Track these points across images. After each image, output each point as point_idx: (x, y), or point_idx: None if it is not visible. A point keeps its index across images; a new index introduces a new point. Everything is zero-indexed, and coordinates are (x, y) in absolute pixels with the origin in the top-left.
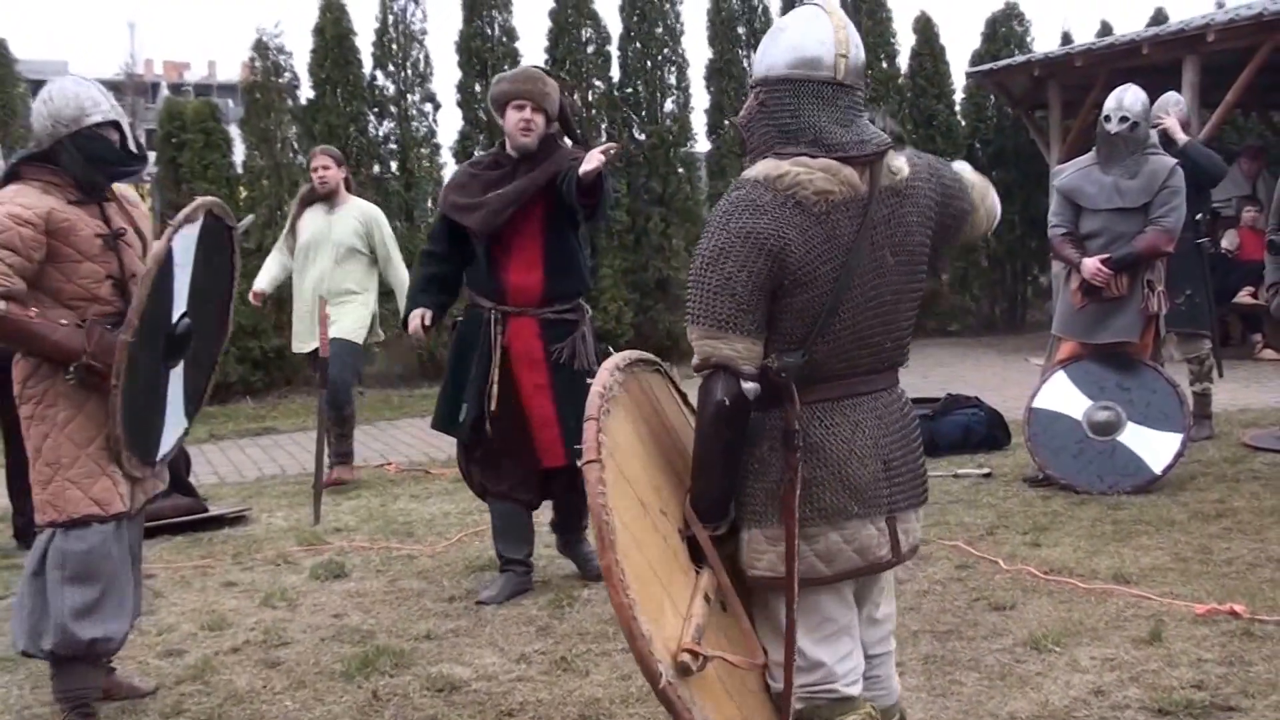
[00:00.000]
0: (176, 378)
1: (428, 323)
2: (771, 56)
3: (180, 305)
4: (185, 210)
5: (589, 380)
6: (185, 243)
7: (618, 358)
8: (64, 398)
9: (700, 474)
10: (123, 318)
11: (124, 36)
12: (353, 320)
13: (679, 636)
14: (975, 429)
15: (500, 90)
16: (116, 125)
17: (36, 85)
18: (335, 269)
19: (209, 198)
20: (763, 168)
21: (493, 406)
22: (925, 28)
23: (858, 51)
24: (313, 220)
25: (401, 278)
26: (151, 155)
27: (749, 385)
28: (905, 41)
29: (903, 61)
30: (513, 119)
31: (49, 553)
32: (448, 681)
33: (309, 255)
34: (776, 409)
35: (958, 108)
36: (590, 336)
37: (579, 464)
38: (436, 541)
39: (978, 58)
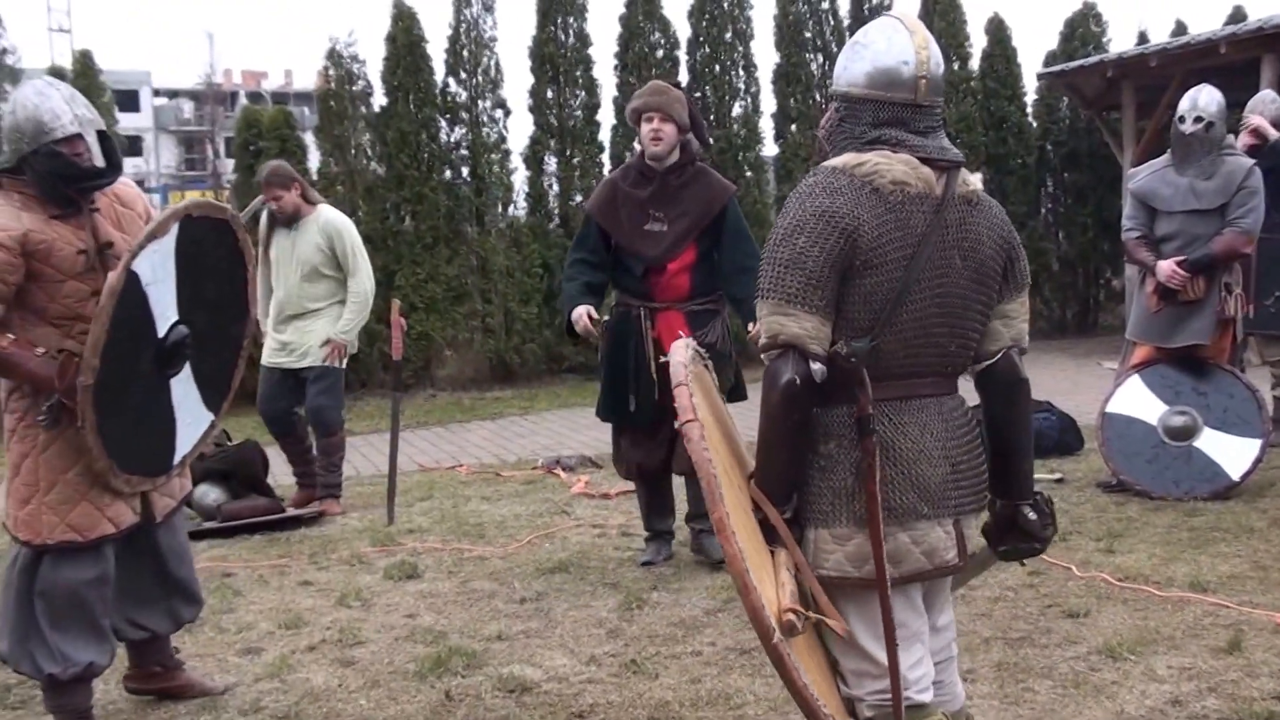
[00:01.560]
0: (184, 381)
1: (595, 315)
2: (852, 73)
3: (169, 316)
4: (148, 228)
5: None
6: (157, 259)
7: (686, 340)
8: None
9: (765, 457)
10: None
11: (203, 47)
12: (319, 339)
13: (776, 600)
14: (1047, 434)
15: (631, 107)
16: (83, 137)
17: (121, 95)
18: (300, 286)
19: (180, 204)
20: (843, 158)
21: (657, 395)
22: (998, 29)
23: (938, 68)
24: (278, 241)
25: (362, 290)
26: (230, 162)
27: (816, 366)
28: (978, 43)
29: (974, 63)
30: (644, 131)
31: (36, 578)
32: (519, 682)
33: (277, 275)
34: (843, 406)
35: (1029, 109)
36: (728, 322)
37: (676, 425)
38: (507, 543)
39: (1052, 58)
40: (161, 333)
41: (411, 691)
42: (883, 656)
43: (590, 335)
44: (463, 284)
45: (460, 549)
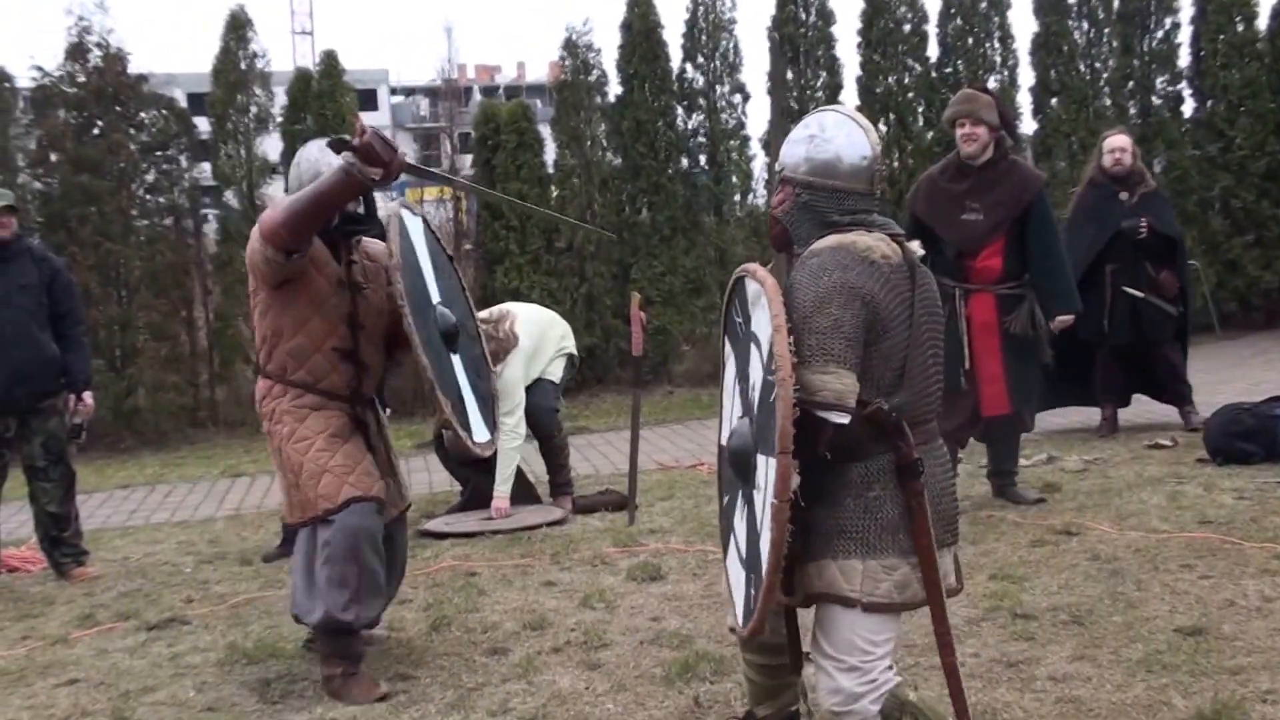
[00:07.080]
0: (466, 383)
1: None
2: (816, 163)
3: (435, 289)
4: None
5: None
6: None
7: None
8: (313, 410)
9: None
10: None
11: (440, 42)
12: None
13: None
14: None
15: (946, 115)
16: None
17: (362, 94)
18: None
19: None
20: (833, 239)
21: (966, 365)
22: None
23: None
24: None
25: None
26: (467, 158)
27: (846, 420)
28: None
29: (1262, 22)
30: (958, 135)
31: (316, 543)
32: None
33: None
34: (884, 455)
35: None
36: (1036, 306)
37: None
38: None
39: None
40: (434, 299)
41: (659, 697)
42: (884, 666)
43: None
44: (701, 276)
45: (704, 550)
